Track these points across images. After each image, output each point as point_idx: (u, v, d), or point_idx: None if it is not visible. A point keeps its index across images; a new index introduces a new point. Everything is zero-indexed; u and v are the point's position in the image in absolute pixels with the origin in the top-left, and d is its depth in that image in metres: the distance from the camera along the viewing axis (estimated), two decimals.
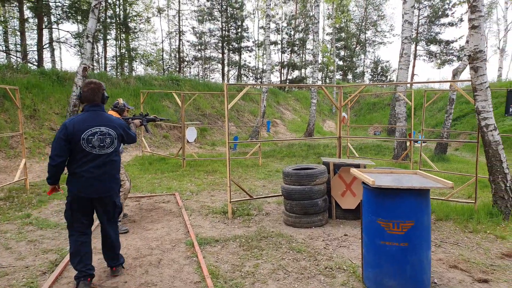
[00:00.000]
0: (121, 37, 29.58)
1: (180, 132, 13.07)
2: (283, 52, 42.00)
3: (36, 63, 22.07)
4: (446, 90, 17.06)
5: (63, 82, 16.01)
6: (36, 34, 22.61)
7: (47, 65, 25.81)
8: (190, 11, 39.41)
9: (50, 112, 13.89)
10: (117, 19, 28.65)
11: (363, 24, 47.60)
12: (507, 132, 16.11)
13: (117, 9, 28.58)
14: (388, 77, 47.95)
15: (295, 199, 6.04)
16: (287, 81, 40.98)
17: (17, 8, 21.59)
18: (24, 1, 21.05)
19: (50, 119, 13.57)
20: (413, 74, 37.32)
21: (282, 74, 41.95)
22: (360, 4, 48.39)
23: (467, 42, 12.78)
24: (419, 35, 37.80)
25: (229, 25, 37.75)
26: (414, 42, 36.19)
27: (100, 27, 25.81)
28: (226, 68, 39.80)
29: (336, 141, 10.57)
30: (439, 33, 38.13)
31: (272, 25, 39.52)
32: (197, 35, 39.01)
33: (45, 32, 24.67)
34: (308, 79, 40.89)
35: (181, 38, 36.92)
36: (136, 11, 29.99)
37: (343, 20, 41.60)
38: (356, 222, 6.34)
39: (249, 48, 39.77)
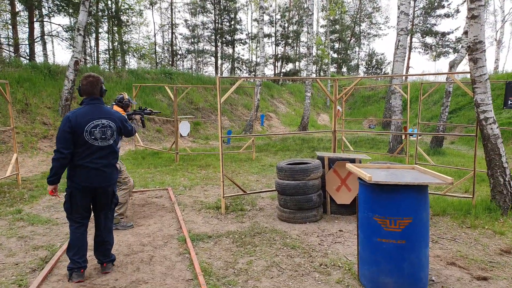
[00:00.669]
0: (113, 31, 29.31)
1: (173, 126, 12.94)
2: (277, 45, 41.81)
3: (27, 57, 21.81)
4: (442, 82, 16.98)
5: (55, 76, 15.81)
6: (27, 27, 22.34)
7: (39, 58, 25.59)
8: (183, 3, 39.19)
9: (42, 106, 13.70)
10: (109, 12, 28.34)
11: (358, 16, 47.42)
12: (504, 125, 16.04)
13: (109, 2, 28.25)
14: (383, 69, 47.93)
15: (289, 194, 5.95)
16: (281, 74, 40.83)
17: (9, 0, 21.28)
18: None
19: (42, 113, 13.38)
20: (408, 67, 37.21)
21: (276, 67, 41.82)
22: None
23: (464, 33, 12.72)
24: (414, 27, 37.69)
25: (222, 18, 37.47)
26: (410, 34, 36.09)
27: (92, 20, 25.55)
28: (219, 61, 39.63)
29: (330, 134, 10.49)
30: (435, 24, 38.07)
31: (266, 18, 39.29)
32: (190, 28, 38.79)
33: (37, 25, 24.41)
34: (302, 72, 40.79)
35: (173, 31, 36.70)
36: (128, 4, 29.66)
37: (337, 12, 41.40)
38: (351, 218, 6.26)
39: (242, 41, 39.58)
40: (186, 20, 39.38)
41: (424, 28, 38.23)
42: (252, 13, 44.78)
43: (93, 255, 4.34)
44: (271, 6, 41.29)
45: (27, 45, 22.58)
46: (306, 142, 16.92)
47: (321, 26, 46.94)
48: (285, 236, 5.35)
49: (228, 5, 36.76)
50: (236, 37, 38.79)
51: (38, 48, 28.34)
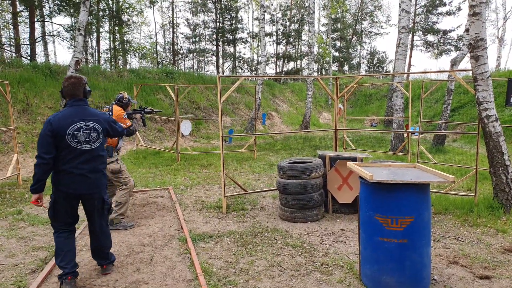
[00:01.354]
0: (114, 30, 29.30)
1: (175, 125, 12.93)
2: (278, 44, 41.76)
3: (28, 57, 21.82)
4: (444, 80, 16.91)
5: (56, 76, 15.79)
6: (28, 27, 22.36)
7: (41, 59, 25.62)
8: (184, 2, 39.10)
9: (43, 106, 13.69)
10: (110, 11, 28.34)
11: (359, 14, 47.29)
12: (506, 122, 15.99)
13: (110, 1, 28.24)
14: (385, 68, 47.81)
15: (291, 193, 5.92)
16: (283, 72, 40.78)
17: (10, 0, 21.30)
18: None
19: (43, 113, 13.37)
20: (409, 65, 37.10)
21: (277, 66, 41.78)
22: None
23: (466, 31, 12.64)
24: (416, 25, 37.54)
25: (223, 17, 37.46)
26: (411, 32, 35.99)
27: (93, 20, 25.54)
28: (220, 61, 39.58)
29: (332, 133, 10.46)
30: (436, 22, 37.91)
31: (267, 16, 39.23)
32: (191, 27, 38.80)
33: (38, 25, 24.42)
34: (303, 70, 40.75)
35: (175, 30, 36.70)
36: (128, 3, 29.65)
37: (338, 10, 41.33)
38: (353, 216, 6.23)
39: (243, 40, 39.58)
40: (187, 19, 39.45)
41: (425, 26, 38.04)
42: (253, 12, 44.77)
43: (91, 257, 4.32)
44: (272, 5, 41.27)
45: (28, 45, 22.60)
46: (308, 141, 16.89)
47: (322, 25, 46.88)
48: (287, 236, 5.33)
49: (229, 4, 36.73)
50: (238, 36, 38.84)
51: (39, 48, 28.46)
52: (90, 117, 3.90)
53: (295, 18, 41.11)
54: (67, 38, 25.62)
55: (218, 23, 37.19)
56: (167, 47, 39.09)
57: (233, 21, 37.80)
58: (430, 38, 38.81)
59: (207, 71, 40.57)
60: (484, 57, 6.01)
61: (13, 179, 8.82)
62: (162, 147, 14.50)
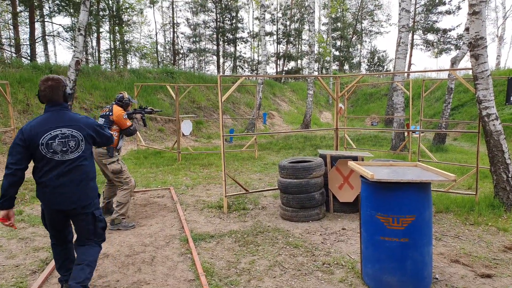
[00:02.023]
0: (115, 30, 29.32)
1: (175, 125, 12.93)
2: (278, 43, 41.76)
3: (29, 57, 21.83)
4: (444, 79, 16.91)
5: None
6: (28, 27, 22.38)
7: (41, 59, 25.64)
8: (184, 2, 39.09)
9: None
10: (110, 11, 28.35)
11: (360, 13, 47.29)
12: (506, 121, 16.00)
13: (110, 1, 28.26)
14: (385, 67, 47.80)
15: (292, 192, 5.92)
16: (283, 72, 40.78)
17: (10, 1, 21.30)
18: None
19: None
20: (410, 64, 37.08)
21: (278, 65, 41.77)
22: None
23: (466, 29, 12.63)
24: (416, 24, 37.53)
25: (224, 16, 37.49)
26: (411, 31, 35.97)
27: (93, 20, 25.54)
28: (221, 60, 39.61)
29: (333, 132, 10.45)
30: (436, 21, 37.89)
31: (267, 16, 39.23)
32: (192, 26, 38.80)
33: (38, 25, 24.43)
34: (304, 70, 40.73)
35: (175, 30, 36.71)
36: (128, 3, 29.66)
37: (339, 9, 41.33)
38: (354, 215, 6.23)
39: (244, 39, 39.59)
40: (187, 19, 39.47)
41: (425, 25, 38.01)
42: (253, 11, 44.84)
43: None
44: (272, 4, 41.30)
45: (28, 45, 22.61)
46: (309, 140, 16.88)
47: (322, 24, 46.88)
48: (288, 235, 5.33)
49: (229, 3, 36.73)
50: (238, 35, 38.85)
51: (39, 48, 28.48)
52: (67, 123, 3.39)
53: (295, 17, 41.11)
54: (67, 38, 25.68)
55: (218, 23, 37.21)
56: (167, 47, 39.15)
57: (234, 21, 37.82)
58: (430, 37, 38.82)
59: (207, 70, 40.67)
60: (484, 56, 6.00)
61: None
62: (163, 147, 14.50)
